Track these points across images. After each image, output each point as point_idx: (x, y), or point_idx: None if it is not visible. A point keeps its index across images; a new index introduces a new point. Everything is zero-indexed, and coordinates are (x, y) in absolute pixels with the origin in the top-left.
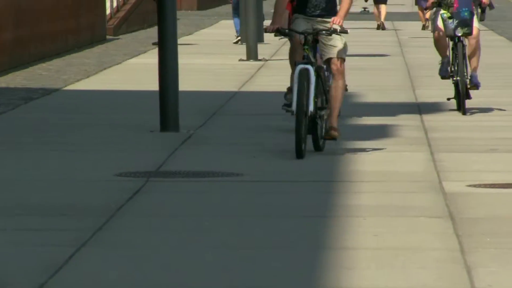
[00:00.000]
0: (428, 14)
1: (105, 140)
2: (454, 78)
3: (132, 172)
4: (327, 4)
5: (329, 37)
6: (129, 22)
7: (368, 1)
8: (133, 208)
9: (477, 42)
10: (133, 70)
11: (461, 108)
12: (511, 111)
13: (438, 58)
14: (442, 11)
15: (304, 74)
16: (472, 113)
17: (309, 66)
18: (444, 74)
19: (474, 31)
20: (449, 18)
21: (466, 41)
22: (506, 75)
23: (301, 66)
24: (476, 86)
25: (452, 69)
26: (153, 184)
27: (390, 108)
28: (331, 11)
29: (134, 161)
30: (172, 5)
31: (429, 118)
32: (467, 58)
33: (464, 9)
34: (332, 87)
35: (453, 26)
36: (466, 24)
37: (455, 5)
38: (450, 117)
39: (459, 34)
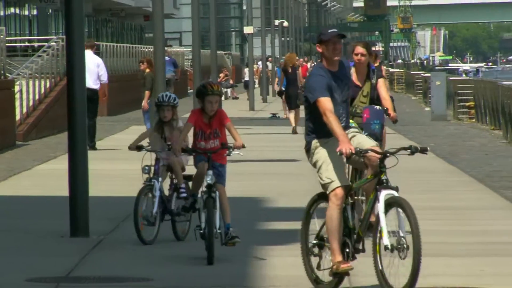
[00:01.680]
0: None
1: (15, 245)
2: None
3: (42, 277)
4: None
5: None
6: (39, 128)
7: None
8: None
9: None
10: (43, 176)
11: None
12: (426, 215)
13: None
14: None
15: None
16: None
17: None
18: None
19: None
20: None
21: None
22: (418, 180)
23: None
24: None
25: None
26: None
27: (300, 213)
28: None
29: (44, 266)
30: (82, 111)
31: None
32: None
33: (375, 122)
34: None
35: None
36: (376, 138)
37: (365, 115)
38: None
39: None
